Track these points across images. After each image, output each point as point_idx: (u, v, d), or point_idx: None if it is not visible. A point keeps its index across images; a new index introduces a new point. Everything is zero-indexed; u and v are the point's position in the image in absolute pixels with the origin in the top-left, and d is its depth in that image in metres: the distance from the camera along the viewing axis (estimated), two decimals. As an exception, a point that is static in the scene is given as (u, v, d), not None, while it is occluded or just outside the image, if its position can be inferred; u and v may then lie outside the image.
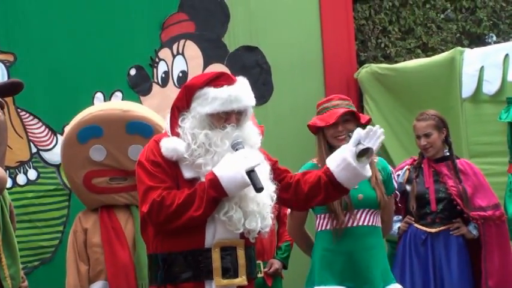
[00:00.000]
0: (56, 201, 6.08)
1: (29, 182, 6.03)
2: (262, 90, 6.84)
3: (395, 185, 4.85)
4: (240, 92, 3.73)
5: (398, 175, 5.36)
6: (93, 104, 6.03)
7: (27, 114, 6.04)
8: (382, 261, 4.59)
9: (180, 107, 3.77)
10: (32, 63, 6.03)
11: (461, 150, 6.23)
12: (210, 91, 3.70)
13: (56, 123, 6.07)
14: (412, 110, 6.44)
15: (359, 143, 3.76)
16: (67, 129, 5.22)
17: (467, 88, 6.43)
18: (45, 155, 6.09)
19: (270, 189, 3.72)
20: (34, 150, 6.07)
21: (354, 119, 4.55)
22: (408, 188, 5.34)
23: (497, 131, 6.07)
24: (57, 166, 6.04)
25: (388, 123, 7.07)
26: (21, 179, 6.01)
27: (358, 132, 3.78)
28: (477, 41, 8.61)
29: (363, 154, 3.76)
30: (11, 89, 3.70)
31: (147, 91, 6.48)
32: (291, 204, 4.06)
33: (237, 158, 3.59)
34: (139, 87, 6.44)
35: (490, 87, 6.26)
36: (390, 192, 4.73)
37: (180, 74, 6.61)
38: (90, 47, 6.23)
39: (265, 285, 5.57)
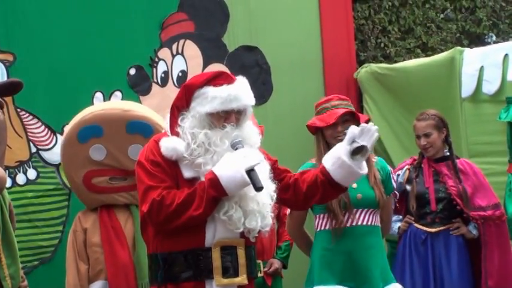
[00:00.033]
0: (56, 201, 6.07)
1: (28, 182, 6.03)
2: (262, 90, 6.84)
3: (394, 184, 4.85)
4: (240, 91, 3.73)
5: (398, 175, 5.37)
6: (92, 103, 6.03)
7: (27, 114, 6.04)
8: (382, 260, 4.60)
9: (180, 107, 3.77)
10: (32, 63, 6.03)
11: (461, 150, 6.24)
12: (210, 90, 3.70)
13: (56, 122, 6.07)
14: (411, 109, 6.45)
15: (354, 141, 3.75)
16: (67, 128, 5.22)
17: (467, 88, 6.43)
18: (44, 154, 6.09)
19: (269, 188, 3.71)
20: (34, 150, 6.07)
21: (353, 119, 4.55)
22: (408, 187, 5.34)
23: (497, 131, 6.07)
24: (57, 166, 6.04)
25: (387, 123, 7.08)
26: (20, 178, 6.01)
27: (352, 130, 3.76)
28: (477, 40, 8.62)
29: (358, 152, 3.75)
30: (10, 88, 3.69)
31: (146, 91, 6.48)
32: (290, 204, 4.06)
33: (237, 157, 3.59)
34: (138, 87, 6.44)
35: (490, 87, 6.26)
36: (389, 192, 4.74)
37: (180, 74, 6.61)
38: (90, 46, 6.22)
39: (265, 285, 5.58)
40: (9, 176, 5.83)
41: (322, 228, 4.60)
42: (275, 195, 3.75)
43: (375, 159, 4.75)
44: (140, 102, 6.25)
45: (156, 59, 6.54)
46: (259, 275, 5.39)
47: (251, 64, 6.88)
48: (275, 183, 3.77)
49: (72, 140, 5.08)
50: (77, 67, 6.17)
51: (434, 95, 6.57)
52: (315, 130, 4.64)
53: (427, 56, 7.77)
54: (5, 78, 5.86)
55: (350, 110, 4.61)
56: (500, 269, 5.22)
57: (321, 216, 4.61)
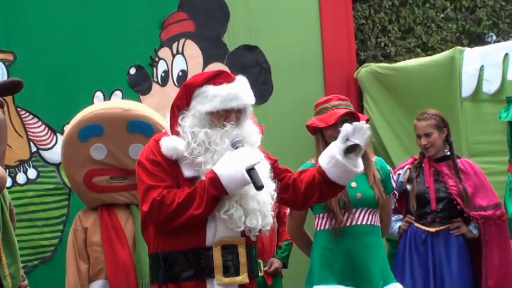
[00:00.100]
0: (56, 200, 6.08)
1: (28, 181, 6.04)
2: (262, 90, 6.84)
3: (394, 184, 4.85)
4: (240, 90, 3.73)
5: (399, 174, 5.37)
6: (93, 103, 6.04)
7: (27, 113, 6.04)
8: (381, 260, 4.60)
9: (180, 106, 3.77)
10: (32, 63, 6.03)
11: (461, 149, 6.23)
12: (210, 89, 3.71)
13: (56, 122, 6.07)
14: (411, 109, 6.44)
15: (347, 139, 3.75)
16: (68, 128, 5.22)
17: (467, 87, 6.43)
18: (45, 154, 6.09)
19: (270, 187, 3.71)
20: (34, 149, 6.07)
21: (353, 119, 4.54)
22: (409, 187, 5.34)
23: (497, 130, 6.07)
24: (57, 165, 6.04)
25: (387, 122, 7.08)
26: (21, 178, 6.01)
27: (346, 128, 3.76)
28: (477, 40, 8.61)
29: (352, 150, 3.75)
30: (10, 88, 3.68)
31: (146, 90, 6.48)
32: (290, 204, 4.06)
33: (237, 156, 3.59)
34: (139, 86, 6.44)
35: (490, 86, 6.26)
36: (388, 192, 4.74)
37: (180, 73, 6.61)
38: (90, 46, 6.22)
39: (265, 284, 5.57)
40: (9, 175, 5.83)
41: (322, 227, 4.60)
42: (275, 194, 3.75)
43: (374, 158, 4.76)
44: (140, 101, 6.25)
45: (156, 59, 6.54)
46: (260, 274, 5.39)
47: (251, 63, 6.88)
48: (275, 182, 3.78)
49: (73, 139, 5.08)
50: (77, 67, 6.17)
51: (434, 95, 6.56)
52: (314, 130, 4.64)
53: (427, 55, 7.77)
54: (5, 78, 5.86)
55: (350, 110, 4.61)
56: (501, 269, 5.22)
57: (321, 215, 4.61)
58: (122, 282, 4.95)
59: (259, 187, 3.56)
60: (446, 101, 6.47)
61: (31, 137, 6.06)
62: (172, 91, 6.25)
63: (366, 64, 7.39)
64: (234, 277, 3.67)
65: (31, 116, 6.05)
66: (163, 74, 6.56)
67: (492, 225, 5.23)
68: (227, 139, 3.66)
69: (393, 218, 5.29)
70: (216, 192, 3.57)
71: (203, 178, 3.63)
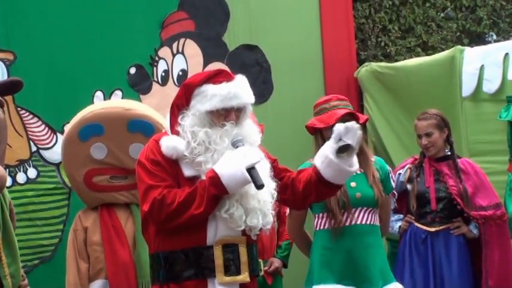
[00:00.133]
0: (56, 200, 6.08)
1: (28, 181, 6.04)
2: (262, 89, 6.84)
3: (393, 184, 4.85)
4: (239, 88, 3.73)
5: (399, 174, 5.36)
6: (93, 102, 6.04)
7: (27, 113, 6.04)
8: (381, 259, 4.60)
9: (180, 105, 3.77)
10: (32, 62, 6.04)
11: (461, 149, 6.23)
12: (209, 88, 3.71)
13: (56, 121, 6.07)
14: (412, 108, 6.44)
15: (340, 139, 3.75)
16: (68, 127, 5.22)
17: (467, 87, 6.43)
18: (45, 153, 6.09)
19: (270, 186, 3.72)
20: (34, 148, 6.07)
21: (352, 119, 4.54)
22: (409, 187, 5.34)
23: (497, 130, 6.06)
24: (57, 165, 6.04)
25: (388, 122, 7.07)
26: (21, 177, 6.01)
27: (338, 128, 3.75)
28: (477, 39, 8.61)
29: (344, 150, 3.75)
30: (10, 87, 3.68)
31: (147, 90, 6.48)
32: (289, 203, 4.07)
33: (237, 155, 3.59)
34: (139, 86, 6.44)
35: (490, 86, 6.26)
36: (388, 192, 4.74)
37: (180, 73, 6.61)
38: (90, 45, 6.23)
39: (265, 284, 5.57)
40: (9, 175, 5.83)
41: (321, 227, 4.60)
42: (276, 193, 3.75)
43: (374, 158, 4.75)
44: (140, 101, 6.25)
45: (157, 58, 6.54)
46: (260, 274, 5.39)
47: (251, 63, 6.88)
48: (275, 181, 3.78)
49: (73, 139, 5.08)
50: (77, 66, 6.17)
51: (434, 94, 6.56)
52: (314, 131, 4.64)
53: (427, 55, 7.77)
54: (5, 77, 5.86)
55: (350, 110, 4.61)
56: (501, 269, 5.22)
57: (320, 215, 4.61)
58: (122, 282, 4.95)
59: (259, 186, 3.56)
60: (446, 100, 6.47)
61: (31, 137, 6.06)
62: (172, 90, 6.25)
63: (366, 64, 7.38)
64: (235, 276, 3.67)
65: (31, 116, 6.05)
66: (163, 74, 6.56)
67: (492, 225, 5.22)
68: (227, 138, 3.66)
69: (393, 218, 5.29)
70: (216, 192, 3.57)
71: (203, 177, 3.63)
